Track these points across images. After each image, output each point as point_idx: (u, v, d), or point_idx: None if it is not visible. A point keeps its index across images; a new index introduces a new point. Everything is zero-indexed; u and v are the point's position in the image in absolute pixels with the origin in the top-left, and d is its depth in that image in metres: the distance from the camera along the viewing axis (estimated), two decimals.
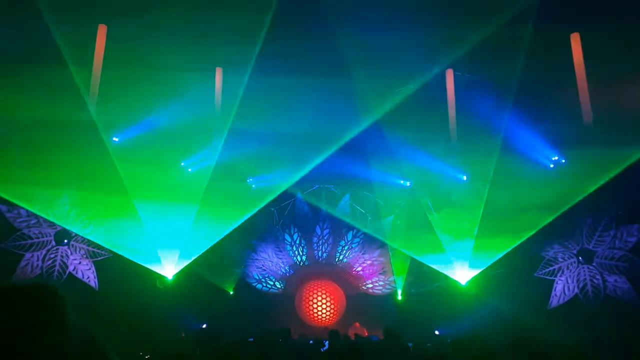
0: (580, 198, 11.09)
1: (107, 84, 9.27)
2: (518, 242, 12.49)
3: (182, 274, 13.02)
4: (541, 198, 11.16)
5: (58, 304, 1.80)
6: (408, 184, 14.08)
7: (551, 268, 11.51)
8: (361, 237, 13.56)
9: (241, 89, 11.16)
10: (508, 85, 9.80)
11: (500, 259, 13.02)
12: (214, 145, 11.06)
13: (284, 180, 13.81)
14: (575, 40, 8.67)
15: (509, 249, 12.82)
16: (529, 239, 11.97)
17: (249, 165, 13.58)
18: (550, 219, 11.48)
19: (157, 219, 12.43)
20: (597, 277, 10.90)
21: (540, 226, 11.64)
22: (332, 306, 13.00)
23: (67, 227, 10.98)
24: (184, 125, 11.75)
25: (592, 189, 10.69)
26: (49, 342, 1.71)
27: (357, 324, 12.13)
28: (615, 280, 10.70)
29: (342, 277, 13.41)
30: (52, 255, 10.78)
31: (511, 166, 11.53)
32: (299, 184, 13.86)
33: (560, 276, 11.38)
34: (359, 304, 13.30)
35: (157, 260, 12.95)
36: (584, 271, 11.09)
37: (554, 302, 11.31)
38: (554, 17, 8.48)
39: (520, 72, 9.19)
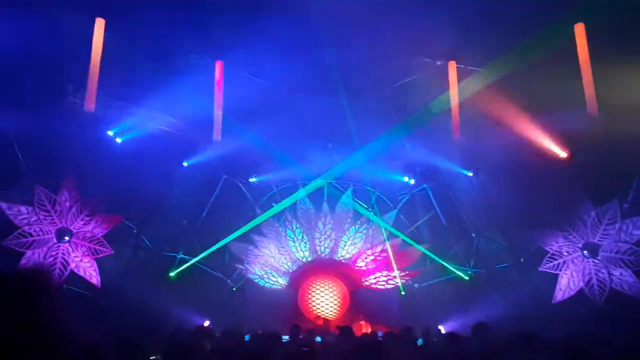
0: (585, 191, 11.01)
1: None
2: (522, 236, 12.41)
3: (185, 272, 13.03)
4: (545, 191, 11.03)
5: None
6: (406, 178, 13.89)
7: (556, 262, 11.39)
8: (364, 232, 13.46)
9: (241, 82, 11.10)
10: (511, 77, 9.69)
11: (504, 253, 12.97)
12: (215, 141, 10.93)
13: (286, 176, 13.73)
14: (580, 31, 8.55)
15: (513, 243, 12.76)
16: (533, 232, 11.87)
17: (251, 161, 13.52)
18: (555, 212, 11.37)
19: None
20: (603, 270, 10.78)
21: (546, 219, 11.52)
22: (335, 302, 12.93)
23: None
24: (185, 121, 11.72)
25: (597, 181, 10.59)
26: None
27: (362, 321, 12.03)
28: (621, 274, 10.59)
29: (344, 273, 13.33)
30: (53, 253, 10.68)
31: (515, 159, 11.41)
32: (301, 179, 13.77)
33: (565, 270, 11.27)
34: (362, 299, 13.22)
35: None
36: (589, 265, 10.98)
37: (559, 296, 11.21)
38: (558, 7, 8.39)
39: (524, 63, 9.08)
